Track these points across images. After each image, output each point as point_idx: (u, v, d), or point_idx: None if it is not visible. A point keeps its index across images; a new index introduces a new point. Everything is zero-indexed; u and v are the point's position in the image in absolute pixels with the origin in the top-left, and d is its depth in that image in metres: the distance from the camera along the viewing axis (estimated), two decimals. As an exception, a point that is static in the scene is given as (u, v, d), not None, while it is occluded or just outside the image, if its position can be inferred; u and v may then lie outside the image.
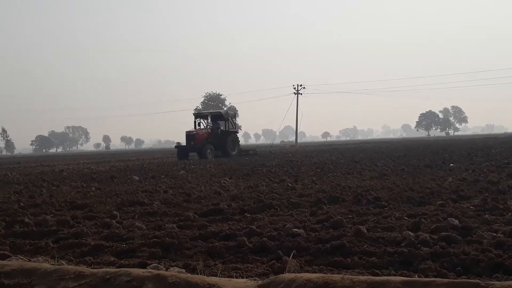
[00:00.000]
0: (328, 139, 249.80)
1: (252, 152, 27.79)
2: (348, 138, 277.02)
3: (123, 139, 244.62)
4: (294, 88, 73.84)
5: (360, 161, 14.52)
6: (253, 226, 4.36)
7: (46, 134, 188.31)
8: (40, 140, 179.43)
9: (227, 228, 4.49)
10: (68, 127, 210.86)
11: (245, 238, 3.87)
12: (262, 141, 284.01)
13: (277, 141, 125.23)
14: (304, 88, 73.72)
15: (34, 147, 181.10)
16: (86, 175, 13.74)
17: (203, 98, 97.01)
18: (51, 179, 12.54)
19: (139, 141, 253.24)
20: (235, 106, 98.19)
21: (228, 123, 26.20)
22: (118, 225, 4.89)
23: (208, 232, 4.27)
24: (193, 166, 15.62)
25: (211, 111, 27.61)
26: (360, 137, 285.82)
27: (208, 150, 23.77)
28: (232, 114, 27.83)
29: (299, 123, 72.62)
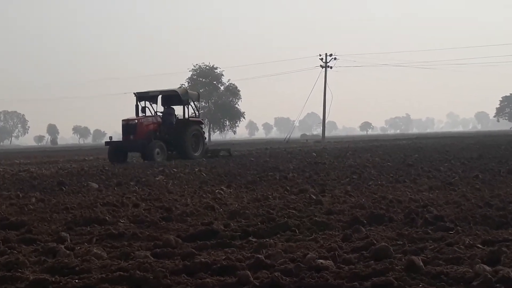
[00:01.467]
0: (370, 132, 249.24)
1: (224, 152, 26.87)
2: (398, 131, 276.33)
3: (76, 130, 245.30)
4: (321, 59, 73.68)
5: (414, 164, 14.48)
6: (260, 256, 4.36)
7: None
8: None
9: (223, 257, 4.49)
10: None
11: (249, 273, 3.87)
12: (274, 134, 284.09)
13: (295, 134, 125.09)
14: (335, 59, 73.55)
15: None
16: (24, 181, 13.80)
17: (191, 73, 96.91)
18: (-27, 186, 12.59)
19: (99, 133, 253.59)
20: (236, 84, 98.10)
21: (187, 108, 25.38)
22: (68, 252, 4.90)
23: (196, 263, 4.27)
24: (175, 170, 15.67)
25: (162, 89, 26.19)
26: (415, 130, 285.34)
27: (156, 149, 23.06)
28: (194, 95, 26.64)
29: (327, 110, 72.61)
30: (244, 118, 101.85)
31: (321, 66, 73.10)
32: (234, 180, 11.94)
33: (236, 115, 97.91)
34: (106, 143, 25.11)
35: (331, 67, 73.42)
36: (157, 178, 12.88)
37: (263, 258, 4.30)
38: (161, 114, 25.02)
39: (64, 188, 11.24)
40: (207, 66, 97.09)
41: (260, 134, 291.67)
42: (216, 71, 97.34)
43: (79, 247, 5.16)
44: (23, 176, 15.23)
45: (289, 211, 6.88)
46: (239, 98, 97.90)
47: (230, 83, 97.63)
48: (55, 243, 5.35)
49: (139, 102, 24.96)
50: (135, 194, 9.85)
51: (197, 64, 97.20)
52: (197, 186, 10.85)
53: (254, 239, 5.29)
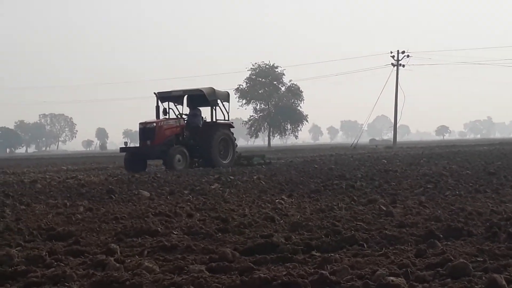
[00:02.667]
0: (447, 137, 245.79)
1: (258, 160, 25.80)
2: (478, 136, 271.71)
3: (127, 134, 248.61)
4: (393, 57, 73.02)
5: (497, 173, 14.21)
6: (324, 272, 4.34)
7: (11, 126, 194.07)
8: (2, 135, 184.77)
9: (284, 273, 4.48)
10: (43, 116, 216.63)
11: (312, 290, 3.86)
12: (340, 139, 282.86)
13: (364, 139, 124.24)
14: (408, 56, 72.75)
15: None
16: (71, 188, 14.06)
17: (249, 72, 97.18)
18: (18, 194, 12.90)
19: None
20: (298, 84, 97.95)
21: (215, 110, 24.58)
22: (117, 265, 4.97)
23: (255, 279, 4.28)
24: (232, 177, 15.73)
25: (186, 89, 25.19)
26: (497, 135, 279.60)
27: (177, 156, 22.34)
28: (223, 94, 25.26)
29: (399, 112, 71.82)
30: (307, 121, 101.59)
31: (392, 64, 72.35)
32: (296, 189, 11.93)
33: (298, 118, 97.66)
34: (121, 149, 24.32)
35: (403, 66, 72.58)
36: (213, 186, 12.96)
37: (328, 274, 4.28)
38: (186, 117, 24.39)
39: (113, 197, 11.40)
40: (267, 65, 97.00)
41: (325, 139, 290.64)
42: (276, 70, 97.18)
43: (129, 260, 5.23)
44: (71, 184, 15.52)
45: (356, 224, 6.84)
46: (302, 99, 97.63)
47: (292, 84, 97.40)
48: (104, 255, 5.42)
49: (162, 103, 24.21)
50: (189, 203, 9.92)
51: (256, 63, 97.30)
52: (256, 195, 10.87)
53: (317, 254, 5.27)
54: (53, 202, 10.72)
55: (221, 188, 12.57)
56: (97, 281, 4.46)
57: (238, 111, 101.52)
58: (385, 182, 12.60)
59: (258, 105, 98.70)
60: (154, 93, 24.27)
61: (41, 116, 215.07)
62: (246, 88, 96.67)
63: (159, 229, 6.90)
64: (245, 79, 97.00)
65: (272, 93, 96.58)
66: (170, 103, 24.33)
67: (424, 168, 17.61)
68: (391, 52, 73.20)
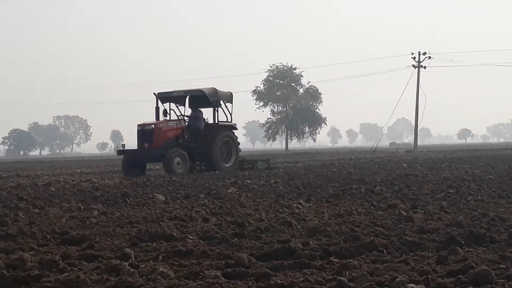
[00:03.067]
0: (469, 140, 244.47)
1: (262, 164, 25.55)
2: (501, 140, 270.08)
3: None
4: (414, 58, 72.85)
5: (521, 177, 14.14)
6: (343, 278, 4.34)
7: (25, 128, 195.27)
8: (16, 137, 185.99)
9: (301, 279, 4.49)
10: (58, 118, 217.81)
11: (330, 297, 3.86)
12: (359, 142, 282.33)
13: (384, 142, 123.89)
14: (429, 58, 72.53)
15: (6, 147, 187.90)
16: (85, 192, 14.13)
17: (267, 74, 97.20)
18: (31, 197, 12.97)
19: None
20: (317, 86, 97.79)
21: (217, 111, 24.18)
22: (132, 270, 4.99)
23: (272, 285, 4.29)
24: (248, 181, 15.75)
25: (188, 89, 25.04)
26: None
27: (176, 159, 21.92)
28: (225, 95, 24.74)
29: (420, 115, 71.60)
30: (325, 124, 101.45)
31: (413, 66, 72.21)
32: (313, 193, 11.92)
33: (316, 121, 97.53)
34: (119, 152, 24.16)
35: (424, 67, 72.43)
36: (229, 190, 12.97)
37: (346, 281, 4.28)
38: (187, 118, 24.00)
39: (128, 200, 11.44)
40: (285, 66, 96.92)
41: (344, 142, 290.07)
42: (295, 71, 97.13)
43: (144, 265, 5.25)
44: (85, 187, 15.59)
45: (375, 229, 6.83)
46: (320, 101, 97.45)
47: (311, 85, 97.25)
48: (118, 260, 5.44)
49: (163, 104, 23.91)
50: (204, 207, 9.94)
51: (273, 64, 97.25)
52: (273, 200, 10.87)
53: (336, 260, 5.27)
54: (67, 206, 10.77)
55: (237, 192, 12.57)
56: (111, 286, 4.49)
57: (255, 114, 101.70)
58: (405, 187, 12.56)
59: (276, 107, 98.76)
60: (154, 93, 24.02)
61: (55, 118, 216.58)
62: (263, 90, 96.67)
63: (174, 233, 6.92)
64: (262, 80, 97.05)
65: (290, 95, 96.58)
66: (171, 104, 24.04)
67: (446, 172, 17.53)
68: (412, 53, 73.13)
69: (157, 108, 23.80)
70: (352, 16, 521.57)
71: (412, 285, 4.11)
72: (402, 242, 5.92)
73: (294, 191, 12.50)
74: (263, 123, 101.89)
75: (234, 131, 24.92)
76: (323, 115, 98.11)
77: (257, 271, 4.83)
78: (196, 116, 24.01)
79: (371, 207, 9.22)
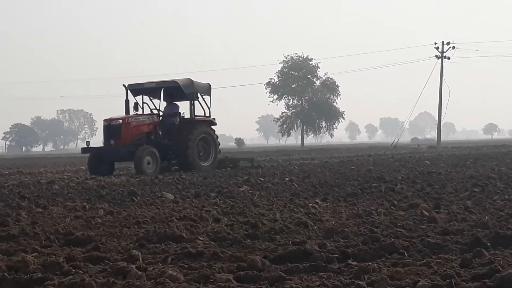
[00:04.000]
0: (495, 136, 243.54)
1: (245, 163, 24.54)
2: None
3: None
4: (437, 49, 72.54)
5: (550, 175, 14.07)
6: (361, 282, 4.35)
7: (27, 123, 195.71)
8: (18, 132, 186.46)
9: (318, 283, 4.50)
10: (61, 111, 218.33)
11: (347, 302, 3.86)
12: (379, 138, 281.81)
13: (405, 138, 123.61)
14: (453, 48, 72.20)
15: (8, 143, 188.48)
16: (91, 190, 14.18)
17: (281, 65, 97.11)
18: (34, 195, 13.02)
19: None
20: (334, 78, 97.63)
21: (193, 105, 22.91)
22: (139, 273, 5.01)
23: (286, 289, 4.29)
24: (262, 179, 15.76)
25: (161, 80, 24.00)
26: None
27: (146, 157, 20.56)
28: (203, 86, 23.45)
29: (444, 109, 71.32)
30: (343, 118, 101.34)
31: (436, 56, 71.83)
32: (331, 192, 11.91)
33: (334, 115, 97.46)
34: (83, 149, 23.00)
35: (448, 58, 72.04)
36: (241, 189, 12.97)
37: (365, 285, 4.29)
38: (161, 112, 23.03)
39: (135, 199, 11.46)
40: (301, 57, 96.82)
41: (363, 137, 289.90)
42: (311, 63, 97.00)
43: (152, 268, 5.26)
44: (90, 185, 15.64)
45: (396, 230, 6.82)
46: (338, 95, 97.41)
47: (327, 77, 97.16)
48: (125, 262, 5.46)
49: (135, 96, 22.88)
50: (215, 207, 9.96)
51: (288, 55, 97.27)
52: (288, 199, 10.87)
53: (354, 263, 5.28)
54: (71, 205, 10.80)
55: (250, 191, 12.58)
56: (117, 290, 4.51)
57: (269, 107, 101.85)
58: (427, 185, 12.53)
59: (291, 100, 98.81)
60: (123, 85, 23.01)
61: (59, 112, 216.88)
62: (277, 82, 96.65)
63: (183, 234, 6.93)
64: (276, 72, 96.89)
65: (305, 87, 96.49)
66: (145, 97, 23.21)
67: (471, 170, 17.48)
68: (435, 43, 72.71)
69: (127, 101, 22.74)
70: (374, 4, 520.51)
71: (435, 290, 4.11)
72: (424, 244, 5.90)
73: (310, 190, 12.49)
74: (277, 118, 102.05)
75: (213, 126, 23.66)
76: (341, 109, 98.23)
77: (271, 275, 4.84)
78: (170, 110, 23.01)
79: (392, 207, 9.20)
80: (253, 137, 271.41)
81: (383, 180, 14.23)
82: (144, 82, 23.38)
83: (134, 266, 5.23)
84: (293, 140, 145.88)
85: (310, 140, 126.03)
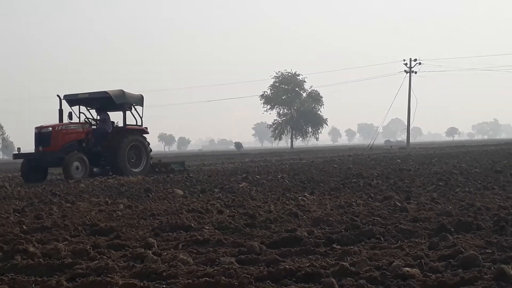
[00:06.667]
0: (456, 137, 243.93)
1: (177, 166, 23.07)
2: (485, 137, 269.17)
3: (162, 137, 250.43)
4: (406, 64, 72.77)
5: (503, 171, 14.06)
6: (345, 263, 4.34)
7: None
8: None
9: (307, 264, 4.49)
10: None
11: (333, 280, 3.86)
12: (357, 140, 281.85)
13: (379, 140, 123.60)
14: (419, 64, 72.46)
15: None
16: (112, 187, 14.18)
17: (273, 80, 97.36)
18: (64, 192, 13.02)
19: (184, 141, 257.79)
20: (318, 90, 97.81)
21: (124, 114, 21.33)
22: (155, 257, 5.01)
23: (281, 270, 4.29)
24: (258, 176, 15.76)
25: (94, 91, 21.73)
26: (503, 136, 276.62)
27: (75, 163, 18.94)
28: (134, 97, 22.01)
29: (412, 115, 71.56)
30: (326, 124, 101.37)
31: (405, 71, 72.16)
32: (317, 187, 11.91)
33: (318, 122, 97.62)
34: (15, 155, 20.73)
35: (415, 72, 72.39)
36: (241, 185, 12.97)
37: (348, 265, 4.29)
38: (97, 122, 21.53)
39: (150, 195, 11.47)
40: (289, 73, 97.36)
41: (343, 140, 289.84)
42: (298, 78, 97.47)
43: (166, 253, 5.27)
44: (111, 183, 15.64)
45: (373, 219, 6.82)
46: (322, 104, 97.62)
47: (313, 90, 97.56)
48: (143, 248, 5.47)
49: (71, 106, 21.26)
50: (219, 200, 9.95)
51: (279, 71, 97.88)
52: (280, 193, 10.87)
53: (338, 246, 5.27)
54: (95, 200, 10.82)
55: (248, 187, 12.58)
56: (136, 272, 4.51)
57: (263, 116, 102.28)
58: (399, 180, 12.53)
59: (282, 109, 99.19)
60: (57, 95, 21.08)
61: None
62: (270, 95, 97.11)
63: (192, 224, 6.94)
64: (269, 86, 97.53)
65: (294, 98, 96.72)
66: (81, 107, 21.60)
67: (436, 167, 17.49)
68: (404, 60, 73.04)
69: (61, 111, 20.93)
70: (350, 28, 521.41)
71: (407, 268, 4.11)
72: (398, 230, 5.91)
73: (299, 185, 12.50)
74: (270, 124, 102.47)
75: (144, 135, 22.15)
76: (324, 116, 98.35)
77: (267, 257, 4.85)
78: (103, 119, 21.53)
79: (369, 199, 9.20)
80: (249, 141, 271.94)
81: (361, 176, 14.21)
82: (78, 93, 21.61)
83: (150, 252, 5.24)
84: (284, 143, 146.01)
85: (299, 143, 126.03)
